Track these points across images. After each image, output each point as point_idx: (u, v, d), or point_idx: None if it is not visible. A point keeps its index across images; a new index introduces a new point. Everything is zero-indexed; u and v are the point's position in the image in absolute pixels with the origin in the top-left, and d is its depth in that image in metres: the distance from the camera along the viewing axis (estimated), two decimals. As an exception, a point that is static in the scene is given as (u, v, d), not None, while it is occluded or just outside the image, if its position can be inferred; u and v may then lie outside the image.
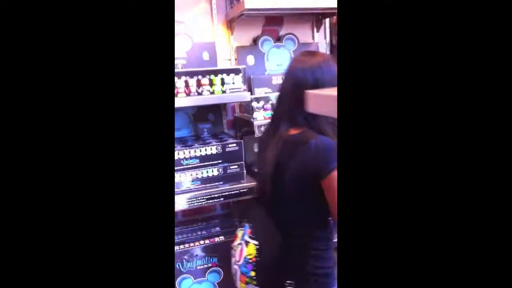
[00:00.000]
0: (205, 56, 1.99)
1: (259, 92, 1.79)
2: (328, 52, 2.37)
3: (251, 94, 1.78)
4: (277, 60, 2.20)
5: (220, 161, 1.73)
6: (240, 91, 1.71)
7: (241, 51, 2.13)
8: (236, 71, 1.71)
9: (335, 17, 2.25)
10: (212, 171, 1.72)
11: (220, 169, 1.73)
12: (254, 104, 1.77)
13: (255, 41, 2.17)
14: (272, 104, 1.78)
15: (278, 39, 2.21)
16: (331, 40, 2.36)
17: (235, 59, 2.12)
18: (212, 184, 1.73)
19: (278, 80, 1.86)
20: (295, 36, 2.21)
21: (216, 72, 1.68)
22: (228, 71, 1.70)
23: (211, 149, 1.70)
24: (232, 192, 1.73)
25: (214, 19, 2.04)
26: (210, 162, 1.71)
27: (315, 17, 2.27)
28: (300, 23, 2.27)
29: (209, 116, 2.08)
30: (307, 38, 2.30)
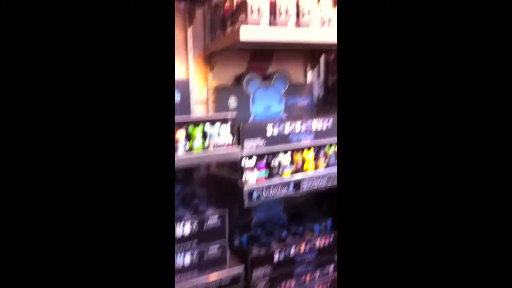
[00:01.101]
0: (175, 97, 1.55)
1: (250, 144, 1.38)
2: (322, 94, 2.02)
3: (241, 148, 1.34)
4: (265, 103, 1.81)
5: (196, 241, 1.26)
6: (228, 145, 1.28)
7: (221, 91, 1.72)
8: (223, 120, 1.29)
9: (333, 53, 1.92)
10: (184, 257, 1.24)
11: (195, 254, 1.25)
12: (245, 162, 1.34)
13: (238, 79, 1.78)
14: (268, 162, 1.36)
15: (266, 77, 1.84)
16: (326, 80, 2.02)
17: (213, 102, 1.70)
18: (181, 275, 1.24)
19: (273, 130, 1.45)
20: (286, 74, 1.85)
21: (196, 122, 1.24)
22: (212, 120, 1.27)
23: (183, 227, 1.23)
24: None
25: (189, 52, 1.63)
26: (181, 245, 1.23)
27: (309, 53, 1.93)
28: (292, 59, 1.91)
29: (179, 175, 1.61)
30: (298, 77, 1.95)
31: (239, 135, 1.36)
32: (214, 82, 1.71)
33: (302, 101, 1.91)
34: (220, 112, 1.57)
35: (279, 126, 1.46)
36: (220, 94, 1.71)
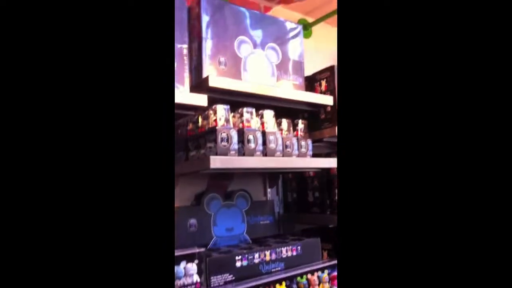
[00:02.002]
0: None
1: (218, 281, 1.21)
2: (282, 211, 1.99)
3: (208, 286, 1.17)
4: (227, 223, 1.70)
5: None
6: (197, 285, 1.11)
7: (181, 212, 1.59)
8: (189, 257, 1.14)
9: (290, 174, 1.96)
10: None
11: None
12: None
13: (199, 198, 1.68)
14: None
15: (227, 195, 1.77)
16: (285, 197, 2.01)
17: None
18: None
19: (242, 261, 1.32)
20: (247, 192, 1.80)
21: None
22: (177, 258, 1.11)
23: None
24: None
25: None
26: None
27: (268, 172, 1.94)
28: (251, 177, 1.90)
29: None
30: (259, 195, 1.91)
31: (206, 271, 1.21)
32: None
33: (264, 220, 1.84)
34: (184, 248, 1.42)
35: (247, 257, 1.34)
36: (180, 216, 1.58)
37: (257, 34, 1.56)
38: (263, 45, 1.57)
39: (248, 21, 1.54)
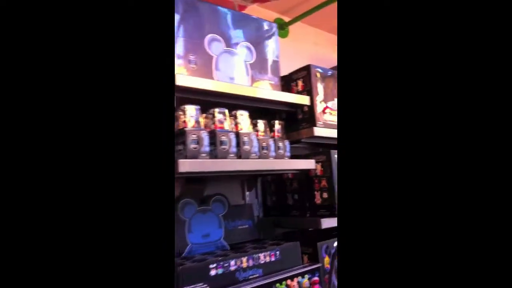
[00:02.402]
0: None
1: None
2: (262, 214, 1.93)
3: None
4: (203, 230, 1.63)
5: None
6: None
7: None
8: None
9: (269, 177, 1.91)
10: None
11: None
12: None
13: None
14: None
15: (203, 200, 1.70)
16: (264, 200, 1.95)
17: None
18: None
19: (217, 269, 1.25)
20: (224, 196, 1.74)
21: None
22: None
23: None
24: None
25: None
26: None
27: (246, 175, 1.88)
28: (228, 181, 1.84)
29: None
30: (237, 199, 1.85)
31: (178, 281, 1.14)
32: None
33: (243, 225, 1.78)
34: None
35: (223, 264, 1.28)
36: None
37: (230, 33, 1.50)
38: (236, 44, 1.52)
39: (221, 19, 1.48)
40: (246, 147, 1.33)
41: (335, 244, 1.70)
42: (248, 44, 1.56)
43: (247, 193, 1.89)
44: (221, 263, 1.27)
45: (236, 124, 1.37)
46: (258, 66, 1.57)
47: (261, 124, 1.57)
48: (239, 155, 1.31)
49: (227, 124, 1.34)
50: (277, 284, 1.37)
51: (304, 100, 1.62)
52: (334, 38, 2.53)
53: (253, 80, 1.54)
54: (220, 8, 1.49)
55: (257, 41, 1.60)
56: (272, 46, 1.65)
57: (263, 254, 1.41)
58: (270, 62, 1.61)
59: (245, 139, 1.33)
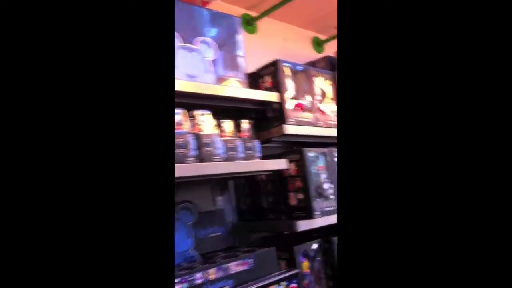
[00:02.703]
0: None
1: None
2: (236, 220, 1.83)
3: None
4: (171, 241, 1.51)
5: None
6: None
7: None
8: None
9: (242, 179, 1.81)
10: None
11: None
12: None
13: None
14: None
15: (171, 209, 1.58)
16: (238, 205, 1.85)
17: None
18: None
19: (182, 283, 1.14)
20: (192, 203, 1.62)
21: None
22: None
23: None
24: None
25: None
26: None
27: (216, 179, 1.78)
28: (197, 187, 1.72)
29: None
30: (207, 205, 1.74)
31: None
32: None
33: (215, 232, 1.67)
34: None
35: (187, 278, 1.17)
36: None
37: (190, 28, 1.40)
38: (197, 40, 1.41)
39: (180, 14, 1.38)
40: (208, 149, 1.22)
41: (314, 246, 1.61)
42: (210, 40, 1.46)
43: (218, 198, 1.79)
44: (186, 277, 1.16)
45: (195, 125, 1.26)
46: (222, 63, 1.47)
47: (227, 124, 1.47)
48: (200, 158, 1.20)
49: (187, 126, 1.23)
50: (250, 296, 1.27)
51: (272, 97, 1.53)
52: (304, 32, 2.45)
53: (217, 77, 1.44)
54: (179, 1, 1.39)
55: (221, 37, 1.50)
56: (237, 42, 1.55)
57: (234, 263, 1.30)
58: (235, 59, 1.52)
59: (207, 140, 1.22)
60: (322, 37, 2.54)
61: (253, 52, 1.82)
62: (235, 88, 1.45)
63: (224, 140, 1.37)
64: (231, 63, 1.48)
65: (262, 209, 1.73)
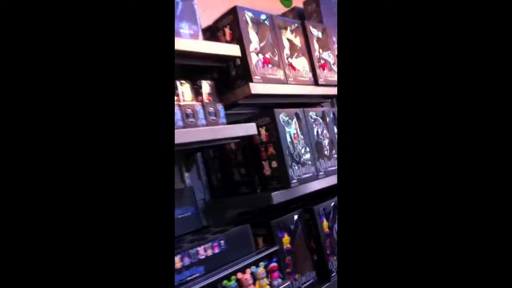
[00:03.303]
0: None
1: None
2: (208, 197, 1.64)
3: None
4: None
5: None
6: None
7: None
8: None
9: (211, 151, 1.60)
10: None
11: None
12: None
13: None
14: None
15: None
16: (210, 181, 1.66)
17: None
18: None
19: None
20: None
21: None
22: None
23: None
24: None
25: None
26: None
27: (180, 154, 1.56)
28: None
29: None
30: (175, 184, 1.54)
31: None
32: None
33: (184, 213, 1.48)
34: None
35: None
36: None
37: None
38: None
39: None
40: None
41: (295, 217, 1.45)
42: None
43: (186, 174, 1.58)
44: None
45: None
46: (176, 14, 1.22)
47: (184, 87, 1.25)
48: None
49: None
50: (224, 282, 1.10)
51: (234, 50, 1.30)
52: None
53: (164, 30, 1.19)
54: None
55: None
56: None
57: (202, 247, 1.12)
58: (184, 7, 1.27)
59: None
60: (289, -11, 2.29)
61: (210, 4, 1.58)
62: (189, 40, 1.22)
63: (180, 106, 1.15)
64: (179, 12, 1.24)
65: (235, 182, 1.54)
